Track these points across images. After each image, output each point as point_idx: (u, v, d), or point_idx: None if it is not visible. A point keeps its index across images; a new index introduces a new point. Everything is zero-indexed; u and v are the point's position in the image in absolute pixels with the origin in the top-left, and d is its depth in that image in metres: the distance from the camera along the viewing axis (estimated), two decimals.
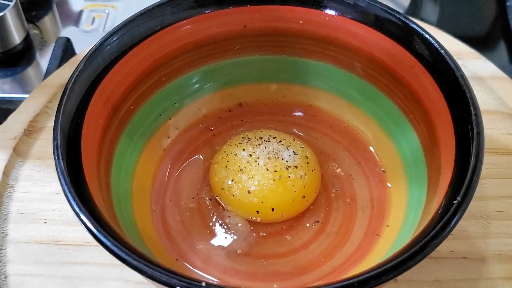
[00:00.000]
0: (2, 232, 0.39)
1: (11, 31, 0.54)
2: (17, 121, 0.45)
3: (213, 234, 0.38)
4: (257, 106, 0.44)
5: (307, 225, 0.38)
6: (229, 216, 0.38)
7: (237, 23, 0.40)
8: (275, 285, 0.36)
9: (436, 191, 0.32)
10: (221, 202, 0.39)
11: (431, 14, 0.61)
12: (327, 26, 0.39)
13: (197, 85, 0.42)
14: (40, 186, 0.42)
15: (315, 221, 0.38)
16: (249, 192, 0.37)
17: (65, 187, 0.30)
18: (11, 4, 0.53)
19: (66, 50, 0.56)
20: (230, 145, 0.40)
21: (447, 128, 0.33)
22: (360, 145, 0.41)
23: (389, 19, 0.37)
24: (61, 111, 0.32)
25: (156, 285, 0.28)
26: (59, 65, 0.53)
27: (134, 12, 0.37)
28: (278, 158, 0.38)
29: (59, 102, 0.33)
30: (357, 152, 0.41)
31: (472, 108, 0.32)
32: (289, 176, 0.37)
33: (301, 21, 0.39)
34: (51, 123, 0.44)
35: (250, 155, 0.38)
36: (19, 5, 0.55)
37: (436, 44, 0.35)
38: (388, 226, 0.37)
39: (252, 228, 0.38)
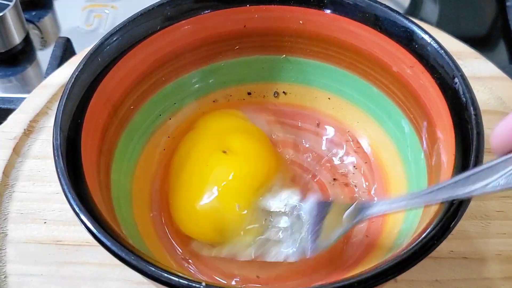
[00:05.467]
0: (2, 232, 0.39)
1: (11, 31, 0.54)
2: (17, 121, 0.45)
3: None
4: (257, 106, 0.44)
5: None
6: None
7: (237, 23, 0.40)
8: (275, 286, 0.36)
9: None
10: None
11: (431, 14, 0.61)
12: (327, 26, 0.39)
13: (197, 85, 0.42)
14: (40, 186, 0.42)
15: None
16: None
17: (65, 187, 0.30)
18: (11, 4, 0.53)
19: (66, 50, 0.56)
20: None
21: (447, 128, 0.33)
22: (360, 146, 0.41)
23: (389, 19, 0.37)
24: (61, 111, 0.32)
25: (156, 285, 0.28)
26: (59, 65, 0.52)
27: (134, 12, 0.37)
28: None
29: (59, 102, 0.33)
30: (356, 154, 0.41)
31: (472, 108, 0.32)
32: None
33: (301, 21, 0.39)
34: (51, 123, 0.44)
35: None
36: (19, 5, 0.55)
37: (436, 44, 0.35)
38: (387, 226, 0.37)
39: None
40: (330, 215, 0.34)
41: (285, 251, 0.34)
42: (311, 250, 0.33)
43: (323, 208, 0.34)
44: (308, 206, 0.34)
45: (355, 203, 0.33)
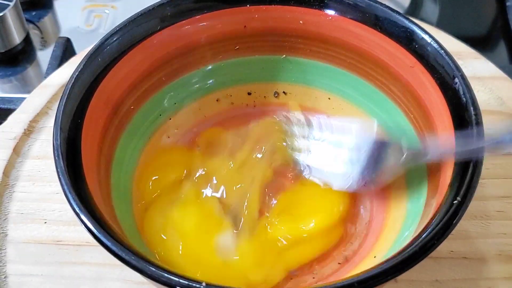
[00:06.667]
0: (2, 232, 0.39)
1: (11, 31, 0.54)
2: (17, 121, 0.45)
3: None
4: (256, 106, 0.44)
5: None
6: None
7: (237, 23, 0.40)
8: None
9: (436, 191, 0.32)
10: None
11: (431, 14, 0.61)
12: (327, 26, 0.39)
13: (197, 85, 0.42)
14: (40, 186, 0.42)
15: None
16: None
17: (65, 187, 0.30)
18: (11, 4, 0.53)
19: (66, 50, 0.56)
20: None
21: (447, 128, 0.33)
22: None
23: (389, 19, 0.37)
24: (61, 111, 0.32)
25: (156, 285, 0.28)
26: (59, 65, 0.53)
27: (134, 12, 0.37)
28: None
29: (59, 102, 0.33)
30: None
31: (472, 108, 0.32)
32: None
33: (301, 21, 0.39)
34: (51, 123, 0.44)
35: None
36: (19, 5, 0.55)
37: (436, 44, 0.35)
38: (387, 226, 0.37)
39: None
40: (388, 154, 0.36)
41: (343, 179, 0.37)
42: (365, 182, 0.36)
43: (382, 146, 0.36)
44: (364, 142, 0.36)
45: (417, 148, 0.35)
